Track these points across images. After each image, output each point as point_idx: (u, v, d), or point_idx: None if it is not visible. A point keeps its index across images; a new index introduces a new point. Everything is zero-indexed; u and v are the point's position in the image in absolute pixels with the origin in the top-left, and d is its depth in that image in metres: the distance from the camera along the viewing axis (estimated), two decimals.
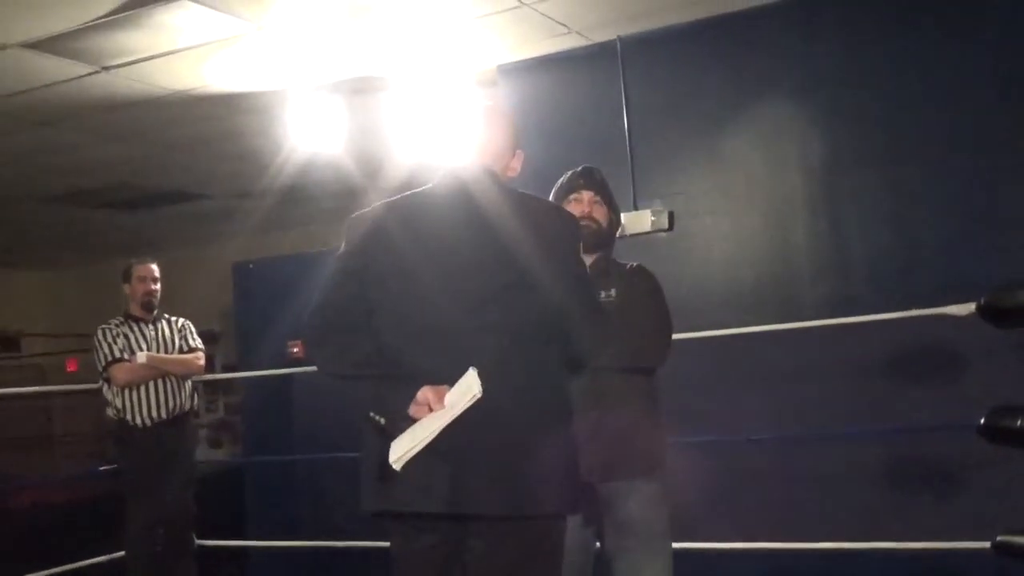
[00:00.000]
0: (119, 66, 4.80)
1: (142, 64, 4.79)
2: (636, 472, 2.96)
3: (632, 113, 4.65)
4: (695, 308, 4.08)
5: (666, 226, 4.51)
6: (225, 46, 4.64)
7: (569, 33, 4.80)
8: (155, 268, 4.94)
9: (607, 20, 4.65)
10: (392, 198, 2.43)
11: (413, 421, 2.15)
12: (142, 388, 4.74)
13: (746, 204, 4.45)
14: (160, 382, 4.77)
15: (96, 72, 4.87)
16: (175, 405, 4.81)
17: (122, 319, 4.87)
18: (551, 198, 3.13)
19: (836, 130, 4.28)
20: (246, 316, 6.21)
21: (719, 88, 4.52)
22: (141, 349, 4.77)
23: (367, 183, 6.23)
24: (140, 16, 4.21)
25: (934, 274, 3.94)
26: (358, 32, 4.60)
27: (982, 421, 3.01)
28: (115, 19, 4.22)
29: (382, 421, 2.19)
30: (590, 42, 4.86)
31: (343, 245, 2.38)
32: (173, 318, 5.00)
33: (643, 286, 3.10)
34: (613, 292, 3.01)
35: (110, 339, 4.76)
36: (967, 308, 3.32)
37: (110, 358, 4.73)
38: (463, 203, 2.33)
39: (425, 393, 2.15)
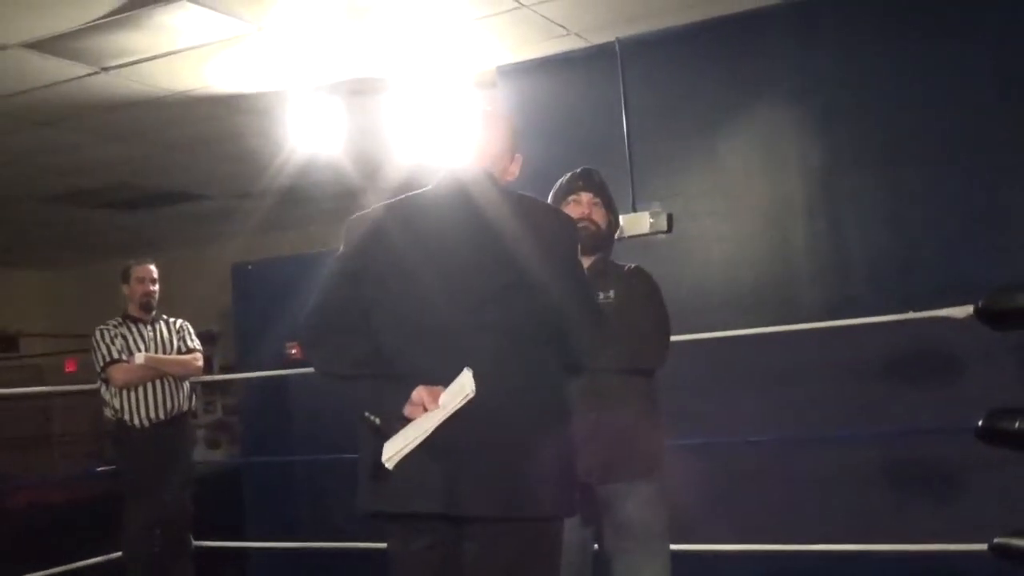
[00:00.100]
0: (119, 66, 4.80)
1: (142, 65, 4.79)
2: (635, 473, 2.96)
3: (631, 115, 4.65)
4: (694, 310, 4.09)
5: (665, 228, 4.50)
6: (225, 47, 4.64)
7: (568, 35, 4.80)
8: (154, 269, 4.94)
9: (606, 22, 4.65)
10: (391, 200, 2.43)
11: (408, 421, 2.14)
12: (140, 389, 4.74)
13: (745, 206, 4.44)
14: (158, 383, 4.77)
15: (96, 72, 4.87)
16: (173, 406, 4.81)
17: (120, 320, 4.87)
18: (550, 199, 3.14)
19: (835, 131, 4.28)
20: (245, 317, 6.20)
21: (718, 90, 4.52)
22: (139, 350, 4.77)
23: (366, 184, 6.23)
24: (140, 17, 4.22)
25: (934, 275, 3.93)
26: (358, 33, 4.60)
27: (980, 423, 3.00)
28: (115, 19, 4.22)
29: (377, 421, 2.19)
30: (589, 44, 4.87)
31: (342, 246, 2.39)
32: (171, 319, 5.00)
33: (642, 288, 3.10)
34: (612, 294, 3.02)
35: (108, 340, 4.77)
36: (965, 311, 3.31)
37: (108, 359, 4.73)
38: (462, 204, 2.33)
39: (420, 393, 2.14)
